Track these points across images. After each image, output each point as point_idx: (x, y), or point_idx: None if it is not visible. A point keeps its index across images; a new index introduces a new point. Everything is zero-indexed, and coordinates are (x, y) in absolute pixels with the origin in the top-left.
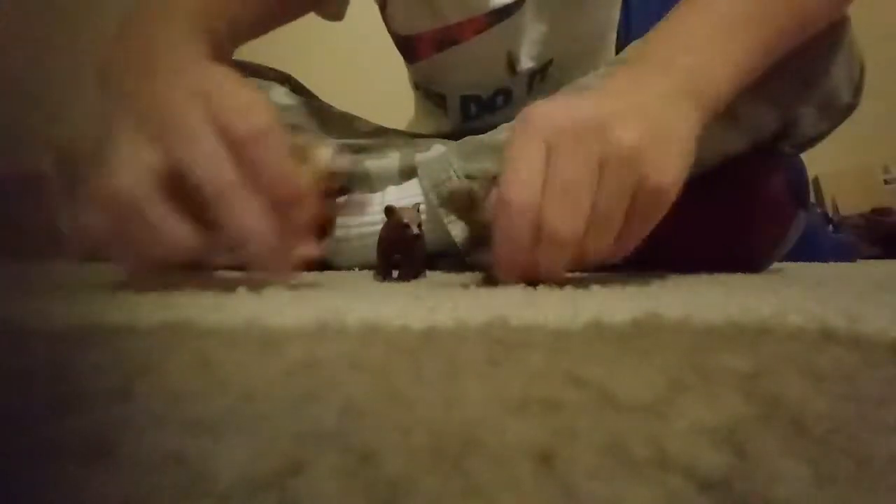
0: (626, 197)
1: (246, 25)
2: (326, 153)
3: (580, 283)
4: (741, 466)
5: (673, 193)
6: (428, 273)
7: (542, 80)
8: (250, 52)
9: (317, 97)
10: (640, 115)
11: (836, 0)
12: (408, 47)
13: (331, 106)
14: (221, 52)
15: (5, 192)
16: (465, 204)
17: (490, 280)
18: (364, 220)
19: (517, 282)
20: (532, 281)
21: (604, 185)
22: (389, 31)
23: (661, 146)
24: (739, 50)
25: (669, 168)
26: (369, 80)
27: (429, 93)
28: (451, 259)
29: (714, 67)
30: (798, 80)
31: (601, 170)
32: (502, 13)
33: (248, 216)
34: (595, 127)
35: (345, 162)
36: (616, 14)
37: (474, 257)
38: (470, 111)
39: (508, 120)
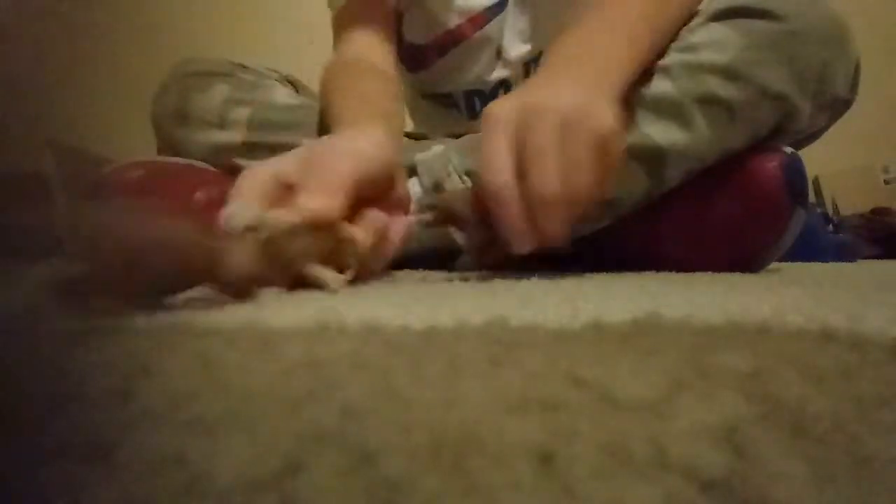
0: (588, 146)
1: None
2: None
3: (580, 283)
4: (741, 466)
5: (618, 140)
6: (428, 273)
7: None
8: (250, 52)
9: (318, 98)
10: (572, 92)
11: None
12: (416, 57)
13: None
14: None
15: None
16: (450, 215)
17: (499, 272)
18: None
19: (534, 249)
20: (545, 247)
21: (567, 141)
22: (400, 44)
23: (596, 107)
24: (636, 43)
25: (609, 119)
26: None
27: (436, 96)
28: (451, 259)
29: (615, 51)
30: (794, 73)
31: (562, 132)
32: (497, 7)
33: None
34: (548, 102)
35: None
36: None
37: (484, 260)
38: (475, 106)
39: None
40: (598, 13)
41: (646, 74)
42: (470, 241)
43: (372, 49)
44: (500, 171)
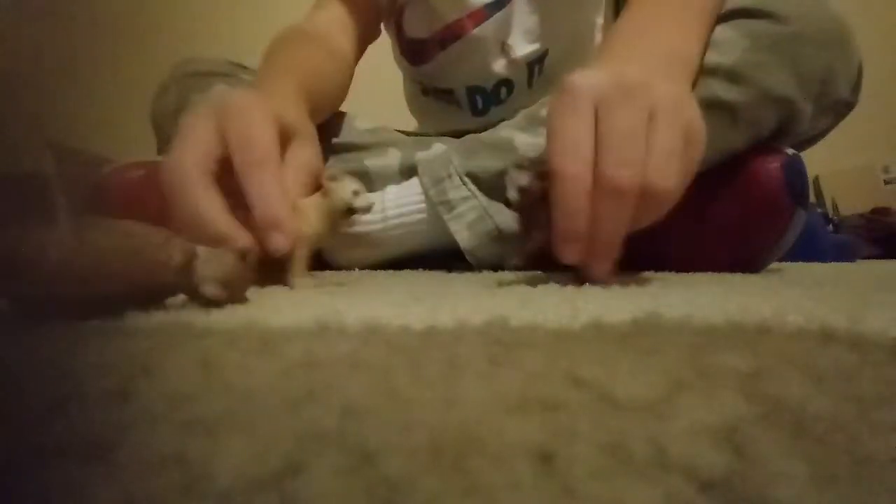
0: (679, 138)
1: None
2: (347, 190)
3: (579, 283)
4: (741, 466)
5: (704, 138)
6: (428, 273)
7: (541, 73)
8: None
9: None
10: (665, 78)
11: None
12: (417, 52)
13: None
14: (309, 98)
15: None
16: (535, 200)
17: (528, 274)
18: (363, 219)
19: (576, 263)
20: (588, 266)
21: (657, 129)
22: (401, 38)
23: (689, 98)
24: (699, 29)
25: (699, 114)
26: (369, 81)
27: (437, 91)
28: (452, 259)
29: (687, 47)
30: (797, 75)
31: (651, 120)
32: (498, 4)
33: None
34: (640, 83)
35: (365, 202)
36: (607, 12)
37: (520, 254)
38: (476, 104)
39: (514, 113)
40: (668, 7)
41: None
42: (529, 235)
43: (332, 24)
44: (574, 160)
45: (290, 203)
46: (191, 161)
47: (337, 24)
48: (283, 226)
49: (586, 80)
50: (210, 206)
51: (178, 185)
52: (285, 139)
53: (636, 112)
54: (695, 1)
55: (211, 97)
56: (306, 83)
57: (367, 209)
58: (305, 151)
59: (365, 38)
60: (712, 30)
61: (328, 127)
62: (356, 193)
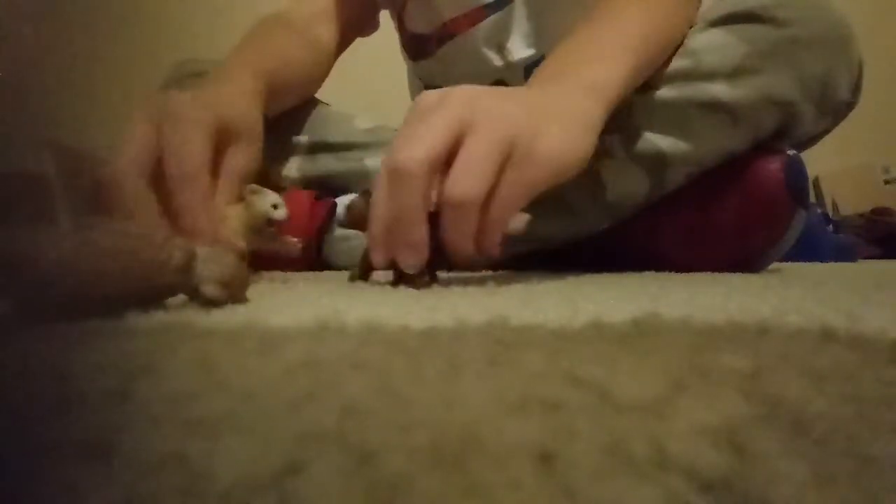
0: (491, 150)
1: (300, 68)
2: (266, 203)
3: (580, 283)
4: (741, 466)
5: (562, 162)
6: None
7: None
8: None
9: (315, 98)
10: (536, 105)
11: (692, 14)
12: (417, 47)
13: (328, 105)
14: (269, 84)
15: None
16: (363, 218)
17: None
18: None
19: (386, 266)
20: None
21: (466, 142)
22: (403, 32)
23: (553, 123)
24: (633, 58)
25: (555, 140)
26: (369, 80)
27: (435, 89)
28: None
29: (609, 71)
30: (797, 78)
31: (468, 132)
32: (494, 7)
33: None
34: (465, 97)
35: (283, 214)
36: None
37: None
38: None
39: None
40: (595, 27)
41: (649, 79)
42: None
43: (315, 14)
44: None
45: (214, 214)
46: (128, 163)
47: (320, 15)
48: (204, 236)
49: (425, 96)
50: (140, 207)
51: (116, 186)
52: (224, 142)
53: (442, 121)
54: (625, 37)
55: (156, 100)
56: (269, 71)
57: (285, 220)
58: (242, 156)
59: (352, 29)
60: (666, 45)
61: (325, 125)
62: (275, 207)
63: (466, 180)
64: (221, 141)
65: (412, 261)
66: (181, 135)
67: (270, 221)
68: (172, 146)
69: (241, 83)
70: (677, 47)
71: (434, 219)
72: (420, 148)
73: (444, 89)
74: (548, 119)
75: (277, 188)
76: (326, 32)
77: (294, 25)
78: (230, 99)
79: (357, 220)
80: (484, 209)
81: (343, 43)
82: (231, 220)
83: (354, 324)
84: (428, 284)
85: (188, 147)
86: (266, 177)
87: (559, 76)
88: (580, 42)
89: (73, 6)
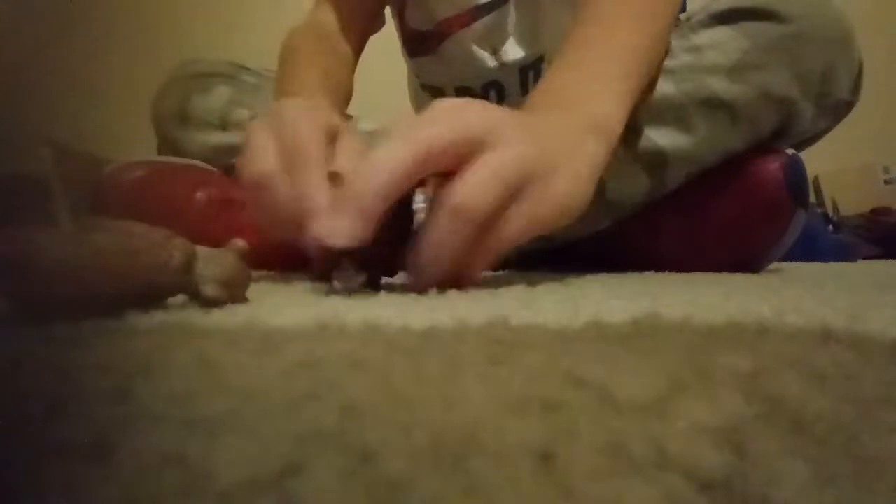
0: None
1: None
2: None
3: (580, 283)
4: (741, 466)
5: (569, 206)
6: None
7: (536, 79)
8: (250, 52)
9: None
10: (548, 144)
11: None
12: (415, 43)
13: None
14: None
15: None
16: None
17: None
18: None
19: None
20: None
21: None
22: (404, 27)
23: (563, 165)
24: (632, 84)
25: (567, 185)
26: (369, 80)
27: (431, 88)
28: None
29: (612, 105)
30: (798, 76)
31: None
32: (487, 8)
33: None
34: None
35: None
36: None
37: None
38: None
39: None
40: (592, 47)
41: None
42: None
43: (335, 23)
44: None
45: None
46: (262, 163)
47: (340, 23)
48: (322, 216)
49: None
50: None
51: (259, 187)
52: (333, 138)
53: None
54: (629, 41)
55: (270, 110)
56: (328, 90)
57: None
58: (353, 140)
59: (367, 31)
60: (655, 59)
61: None
62: None
63: (477, 191)
64: (331, 137)
65: (348, 231)
66: (302, 130)
67: None
68: (294, 139)
69: (323, 101)
70: (667, 49)
71: (399, 214)
72: (483, 197)
73: (462, 100)
74: (558, 160)
75: None
76: (349, 42)
77: (325, 40)
78: (325, 107)
79: None
80: (479, 233)
81: (361, 48)
82: None
83: (354, 324)
84: (363, 288)
85: (308, 135)
86: None
87: (563, 108)
88: (580, 64)
89: (73, 6)
